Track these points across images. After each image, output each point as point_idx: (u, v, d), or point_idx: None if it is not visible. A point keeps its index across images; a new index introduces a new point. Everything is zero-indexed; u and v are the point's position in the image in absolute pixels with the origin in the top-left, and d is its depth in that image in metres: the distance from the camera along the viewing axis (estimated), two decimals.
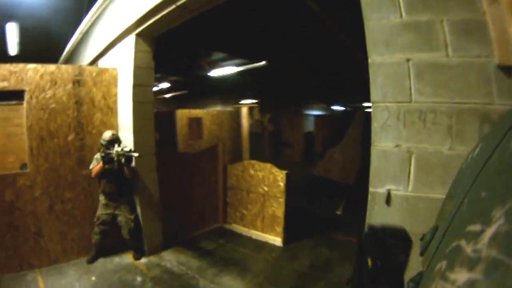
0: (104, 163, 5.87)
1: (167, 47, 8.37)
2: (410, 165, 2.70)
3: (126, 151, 5.82)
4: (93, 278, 5.74)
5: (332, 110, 29.23)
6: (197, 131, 13.51)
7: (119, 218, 6.37)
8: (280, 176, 7.36)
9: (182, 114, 13.27)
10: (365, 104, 23.49)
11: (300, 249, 7.25)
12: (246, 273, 6.14)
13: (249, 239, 7.87)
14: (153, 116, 6.79)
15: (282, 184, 7.33)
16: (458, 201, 1.28)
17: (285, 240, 7.43)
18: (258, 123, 18.93)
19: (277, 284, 5.79)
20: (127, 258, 6.60)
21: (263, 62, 10.53)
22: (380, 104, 2.84)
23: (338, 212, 9.95)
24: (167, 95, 20.66)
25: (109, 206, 6.28)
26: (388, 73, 2.80)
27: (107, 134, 6.09)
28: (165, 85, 16.64)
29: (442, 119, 2.54)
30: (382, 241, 2.39)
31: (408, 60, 2.70)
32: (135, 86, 6.30)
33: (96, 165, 5.98)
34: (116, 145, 5.96)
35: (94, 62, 8.66)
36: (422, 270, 1.50)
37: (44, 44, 11.16)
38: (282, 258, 6.78)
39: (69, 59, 11.70)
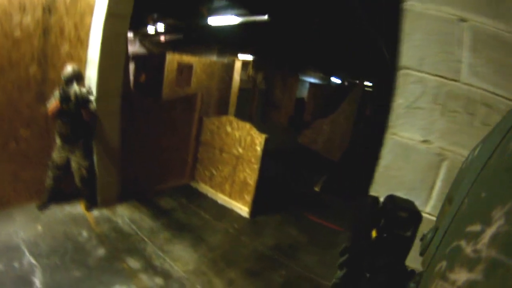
0: (60, 102, 5.25)
1: None
2: (438, 173, 2.05)
3: (83, 92, 5.28)
4: (39, 227, 5.29)
5: (329, 81, 28.67)
6: (186, 78, 13.06)
7: (72, 164, 5.83)
8: (258, 140, 6.79)
9: (173, 58, 12.66)
10: (365, 83, 23.00)
11: (266, 224, 6.82)
12: (201, 244, 5.68)
13: (214, 203, 7.42)
14: (125, 53, 6.14)
15: (259, 149, 6.76)
16: (458, 201, 1.27)
17: (252, 212, 6.99)
18: (251, 79, 18.42)
19: (232, 264, 5.33)
20: (79, 207, 6.10)
21: (266, 17, 9.88)
22: (413, 73, 2.11)
23: (316, 189, 9.49)
24: (162, 38, 20.02)
25: (64, 149, 5.73)
26: (432, 30, 2.06)
27: (68, 69, 5.42)
28: (161, 27, 15.94)
29: (498, 120, 1.85)
30: (390, 213, 1.92)
31: (462, 20, 1.97)
32: (109, 15, 5.55)
33: (53, 103, 5.34)
34: (75, 84, 5.35)
35: None
36: (422, 270, 1.46)
37: None
38: (245, 232, 6.35)
39: None
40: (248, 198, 6.98)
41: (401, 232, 1.88)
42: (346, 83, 26.66)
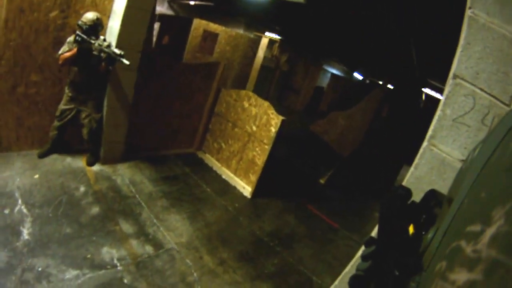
0: (78, 52, 5.08)
1: None
2: None
3: (115, 52, 5.08)
4: (36, 176, 5.22)
5: (351, 75, 28.48)
6: (210, 47, 12.89)
7: (83, 115, 5.71)
8: (274, 121, 6.63)
9: (199, 25, 12.47)
10: (388, 85, 22.85)
11: (267, 208, 6.74)
12: (198, 218, 5.60)
13: (218, 177, 7.33)
14: (151, 10, 5.92)
15: (274, 130, 6.61)
16: (458, 202, 1.27)
17: (255, 193, 6.89)
18: (274, 59, 18.21)
19: (226, 244, 5.26)
20: (80, 161, 6.02)
21: None
22: (466, 84, 1.99)
23: (322, 181, 9.31)
24: (192, 2, 19.84)
25: (74, 100, 5.59)
26: (493, 45, 1.93)
27: (89, 16, 5.21)
28: None
29: None
30: (431, 209, 1.89)
31: None
32: None
33: (67, 50, 5.16)
34: (101, 37, 5.22)
35: None
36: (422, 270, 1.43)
37: None
38: (244, 213, 6.26)
39: None
40: (253, 178, 6.86)
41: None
42: (367, 81, 26.46)
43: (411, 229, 1.90)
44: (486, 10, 1.96)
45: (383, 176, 8.77)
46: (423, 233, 1.83)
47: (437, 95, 13.54)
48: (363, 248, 2.05)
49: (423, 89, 14.85)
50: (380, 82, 23.43)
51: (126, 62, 5.00)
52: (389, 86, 21.98)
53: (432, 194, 2.05)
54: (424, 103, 15.99)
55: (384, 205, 2.16)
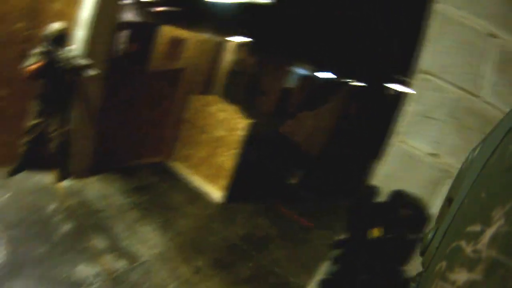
0: (45, 64, 4.95)
1: None
2: (440, 190, 1.97)
3: (81, 63, 5.05)
4: (7, 195, 5.07)
5: (319, 75, 28.63)
6: (176, 52, 12.75)
7: (51, 129, 5.55)
8: (241, 124, 6.67)
9: (167, 31, 12.28)
10: (354, 82, 23.03)
11: (239, 212, 6.75)
12: (170, 227, 5.57)
13: (189, 184, 7.30)
14: (117, 16, 5.98)
15: (241, 134, 6.65)
16: (458, 202, 1.29)
17: (226, 198, 6.88)
18: (241, 62, 18.22)
19: (200, 252, 5.24)
20: (50, 177, 5.88)
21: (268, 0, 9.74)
22: (433, 79, 2.02)
23: (293, 182, 9.36)
24: (159, 9, 19.76)
25: (42, 114, 5.44)
26: (460, 38, 1.98)
27: (55, 26, 5.07)
28: None
29: None
30: (396, 211, 2.03)
31: (493, 36, 1.90)
32: None
33: (34, 62, 5.00)
34: (67, 48, 5.13)
35: None
36: (422, 270, 1.47)
37: None
38: (216, 220, 6.27)
39: None
40: (223, 183, 6.85)
41: (407, 234, 1.95)
42: (335, 80, 26.63)
43: (377, 232, 1.98)
44: (455, 3, 2.00)
45: (356, 174, 8.92)
46: (389, 235, 1.91)
47: (405, 89, 13.82)
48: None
49: (390, 85, 15.07)
50: (348, 80, 23.66)
51: (93, 72, 4.97)
52: (357, 83, 22.19)
53: (398, 195, 2.11)
54: (391, 98, 16.22)
55: (352, 207, 2.23)
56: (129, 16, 16.55)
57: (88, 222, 5.04)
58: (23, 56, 5.10)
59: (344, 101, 13.11)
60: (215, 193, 6.93)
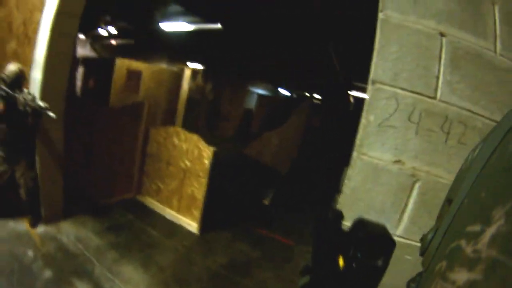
0: (6, 108, 4.85)
1: None
2: (409, 195, 1.98)
3: (40, 106, 4.91)
4: None
5: (278, 93, 28.86)
6: (135, 85, 12.73)
7: (17, 175, 5.42)
8: (206, 153, 6.64)
9: (122, 64, 12.33)
10: (314, 95, 23.23)
11: (217, 241, 6.65)
12: (151, 264, 5.44)
13: (163, 218, 7.17)
14: (72, 55, 5.81)
15: (207, 162, 6.62)
16: (458, 202, 1.27)
17: (202, 228, 6.79)
18: (199, 89, 18.23)
19: (184, 285, 5.14)
20: (23, 224, 5.71)
21: (218, 25, 9.77)
22: (386, 88, 2.02)
23: (265, 202, 9.35)
24: (113, 42, 19.64)
25: (6, 161, 5.28)
26: (409, 43, 2.00)
27: (12, 68, 4.97)
28: (112, 30, 15.59)
29: (474, 139, 1.85)
30: (360, 241, 1.92)
31: (442, 34, 1.94)
32: (58, 13, 5.18)
33: None
34: (25, 91, 5.01)
35: None
36: (422, 271, 1.46)
37: None
38: (196, 250, 6.15)
39: None
40: (197, 213, 6.78)
41: (372, 262, 1.86)
42: (294, 95, 26.88)
43: (341, 261, 1.94)
44: (399, 9, 2.05)
45: (326, 184, 8.97)
46: (353, 265, 1.88)
47: (365, 96, 14.11)
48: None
49: (349, 92, 15.30)
50: (307, 94, 23.91)
51: (52, 115, 4.83)
52: (316, 96, 22.42)
53: (360, 224, 2.11)
54: (352, 106, 16.46)
55: (315, 232, 2.20)
56: (84, 51, 16.38)
57: (68, 267, 4.89)
58: None
59: (305, 115, 13.22)
60: (191, 224, 6.85)
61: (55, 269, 4.75)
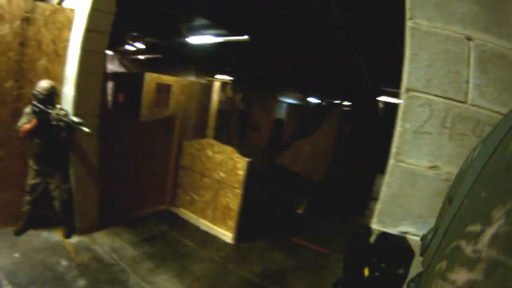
0: (38, 124, 5.01)
1: (145, 5, 7.61)
2: None
3: (73, 121, 5.09)
4: (16, 255, 5.05)
5: (307, 101, 28.79)
6: (165, 98, 12.83)
7: (52, 187, 5.58)
8: (240, 164, 6.64)
9: (151, 78, 12.41)
10: (344, 102, 23.13)
11: (252, 250, 6.64)
12: (186, 273, 5.45)
13: (197, 229, 7.20)
14: (103, 71, 5.97)
15: (241, 173, 6.62)
16: (458, 202, 1.29)
17: (237, 238, 6.78)
18: (229, 100, 18.29)
19: None
20: (57, 234, 5.85)
21: (246, 37, 9.79)
22: (420, 95, 2.05)
23: (299, 211, 9.28)
24: (141, 57, 19.94)
25: (41, 173, 5.47)
26: (438, 49, 2.01)
27: (44, 85, 5.16)
28: (140, 45, 15.83)
29: None
30: (383, 251, 2.04)
31: (468, 39, 1.96)
32: (87, 31, 5.39)
33: (26, 122, 5.07)
34: (58, 106, 5.25)
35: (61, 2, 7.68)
36: (422, 270, 1.50)
37: None
38: (231, 260, 6.14)
39: None
40: (231, 223, 6.79)
41: (393, 270, 1.96)
42: (324, 103, 26.78)
43: (366, 272, 2.02)
44: (427, 16, 2.06)
45: (359, 191, 8.85)
46: (377, 274, 1.93)
47: (394, 100, 13.88)
48: None
49: (378, 98, 15.18)
50: (336, 101, 23.78)
51: (87, 130, 5.01)
52: (346, 103, 22.27)
53: (382, 236, 2.13)
54: (382, 111, 16.31)
55: (347, 247, 2.26)
56: (114, 66, 16.67)
57: (102, 277, 4.95)
58: (15, 115, 5.22)
59: (336, 122, 13.12)
60: (226, 234, 6.86)
61: (89, 279, 4.83)
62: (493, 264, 0.80)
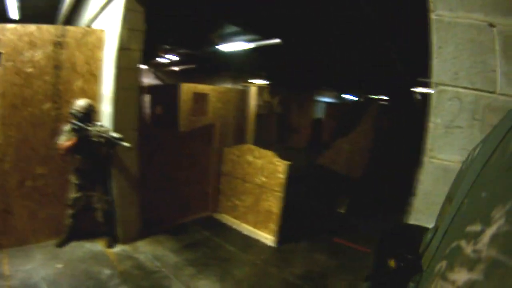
0: (78, 141, 5.23)
1: (177, 18, 7.77)
2: None
3: (113, 137, 5.28)
4: (59, 265, 5.23)
5: (344, 99, 28.51)
6: (202, 107, 12.99)
7: (94, 200, 5.80)
8: (281, 167, 6.63)
9: (187, 89, 12.65)
10: (381, 97, 22.82)
11: (294, 252, 6.59)
12: (228, 277, 5.48)
13: (239, 233, 7.25)
14: (138, 86, 6.14)
15: (282, 176, 6.61)
16: (458, 202, 1.29)
17: (278, 240, 6.77)
18: (267, 104, 18.34)
19: None
20: (99, 245, 6.02)
21: (278, 40, 9.81)
22: (448, 89, 2.03)
23: (341, 211, 9.22)
24: (176, 68, 20.20)
25: (82, 188, 5.69)
26: (463, 40, 1.98)
27: (82, 103, 5.39)
28: (173, 57, 16.07)
29: None
30: (407, 242, 2.02)
31: (491, 25, 1.90)
32: (120, 49, 5.59)
33: (65, 140, 5.29)
34: (97, 123, 5.48)
35: (90, 24, 7.90)
36: (422, 270, 1.50)
37: (48, 8, 10.38)
38: (272, 263, 6.12)
39: (69, 22, 10.90)
40: (273, 226, 6.79)
41: (418, 261, 1.85)
42: (361, 99, 26.49)
43: (392, 263, 1.96)
44: (449, 7, 2.03)
45: (400, 187, 8.78)
46: (401, 264, 1.89)
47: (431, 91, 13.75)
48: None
49: (415, 89, 14.95)
50: (373, 97, 23.50)
51: (127, 145, 5.19)
52: (383, 97, 21.96)
53: (406, 228, 2.19)
54: (420, 103, 16.04)
55: (378, 243, 2.28)
56: (149, 79, 16.96)
57: (145, 283, 5.07)
58: (54, 134, 5.46)
59: (374, 118, 12.96)
60: (267, 237, 6.87)
61: (131, 286, 4.95)
62: (493, 264, 0.81)
